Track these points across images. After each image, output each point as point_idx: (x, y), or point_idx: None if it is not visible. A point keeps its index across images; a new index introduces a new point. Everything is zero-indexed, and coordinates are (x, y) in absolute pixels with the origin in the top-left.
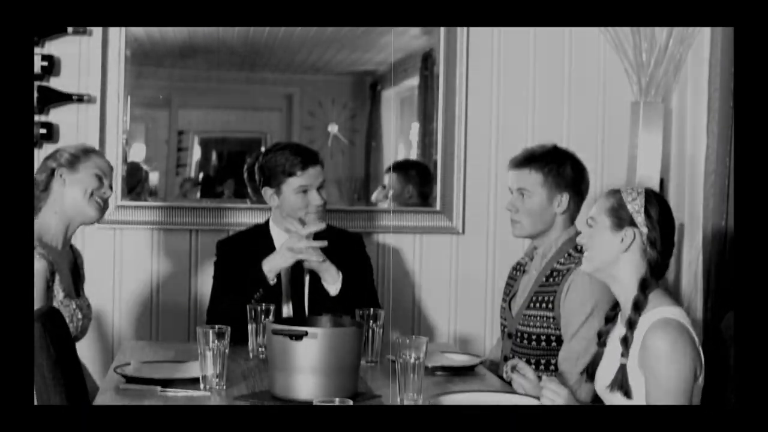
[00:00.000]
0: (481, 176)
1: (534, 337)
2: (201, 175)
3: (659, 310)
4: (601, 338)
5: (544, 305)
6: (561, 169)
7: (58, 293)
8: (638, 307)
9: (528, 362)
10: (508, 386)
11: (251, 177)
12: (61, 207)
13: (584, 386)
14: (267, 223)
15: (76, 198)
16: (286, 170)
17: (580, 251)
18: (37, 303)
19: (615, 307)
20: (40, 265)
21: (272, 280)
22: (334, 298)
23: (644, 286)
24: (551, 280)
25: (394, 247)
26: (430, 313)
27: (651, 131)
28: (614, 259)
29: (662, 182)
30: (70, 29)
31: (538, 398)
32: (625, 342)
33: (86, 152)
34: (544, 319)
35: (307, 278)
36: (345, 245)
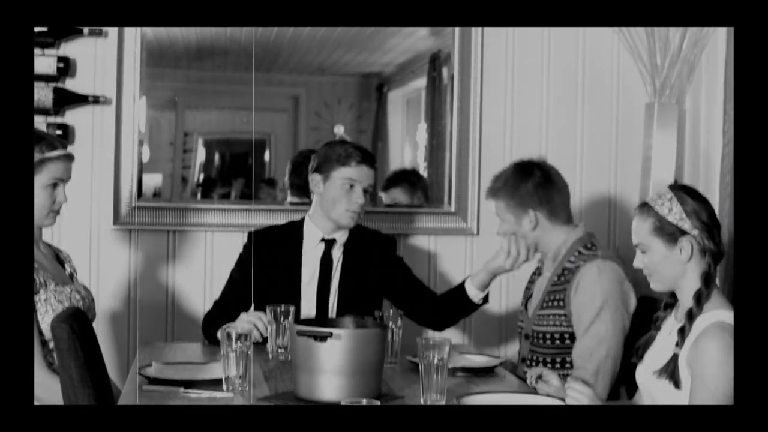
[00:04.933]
0: None
1: (548, 336)
2: (201, 177)
3: (716, 312)
4: (656, 323)
5: (555, 303)
6: (516, 191)
7: (49, 283)
8: (700, 300)
9: (545, 362)
10: (528, 387)
11: (296, 173)
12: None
13: (599, 383)
14: (302, 220)
15: (38, 208)
16: (341, 159)
17: (590, 249)
18: None
19: (673, 294)
20: None
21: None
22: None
23: (708, 280)
24: (562, 278)
25: (409, 249)
26: None
27: (665, 132)
28: (682, 272)
29: (676, 183)
30: (85, 31)
31: (562, 400)
32: (682, 332)
33: (42, 161)
34: (557, 317)
35: (335, 279)
36: (377, 247)
